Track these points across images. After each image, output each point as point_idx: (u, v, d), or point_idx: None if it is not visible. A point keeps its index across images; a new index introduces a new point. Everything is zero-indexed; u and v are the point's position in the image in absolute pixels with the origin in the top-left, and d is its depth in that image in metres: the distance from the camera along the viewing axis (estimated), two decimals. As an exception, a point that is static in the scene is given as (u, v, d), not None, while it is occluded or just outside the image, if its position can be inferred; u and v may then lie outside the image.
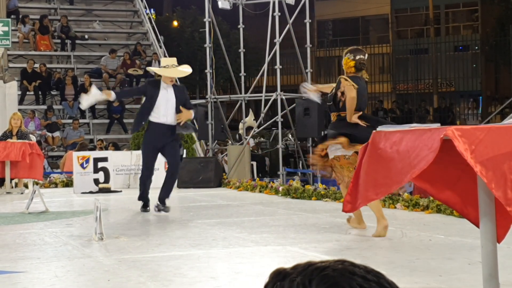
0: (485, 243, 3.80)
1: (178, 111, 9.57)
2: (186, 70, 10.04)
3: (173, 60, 9.94)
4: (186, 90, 10.30)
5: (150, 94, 9.64)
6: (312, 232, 7.36)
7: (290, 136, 21.27)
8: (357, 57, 7.55)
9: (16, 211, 10.08)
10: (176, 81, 10.06)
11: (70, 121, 21.60)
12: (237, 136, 19.92)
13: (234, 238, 6.94)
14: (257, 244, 6.60)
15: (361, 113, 7.31)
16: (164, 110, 9.55)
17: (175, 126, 9.63)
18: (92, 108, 22.33)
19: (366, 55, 7.68)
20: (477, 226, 4.07)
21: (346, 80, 7.39)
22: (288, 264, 5.11)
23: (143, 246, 6.53)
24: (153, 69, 11.76)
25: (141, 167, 10.34)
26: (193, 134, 17.00)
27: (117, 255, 6.05)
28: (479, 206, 3.72)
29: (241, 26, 18.20)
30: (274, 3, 16.64)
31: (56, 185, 15.35)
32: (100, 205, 6.82)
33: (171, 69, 9.70)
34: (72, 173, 14.73)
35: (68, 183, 15.11)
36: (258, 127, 17.83)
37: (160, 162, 14.49)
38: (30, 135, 14.68)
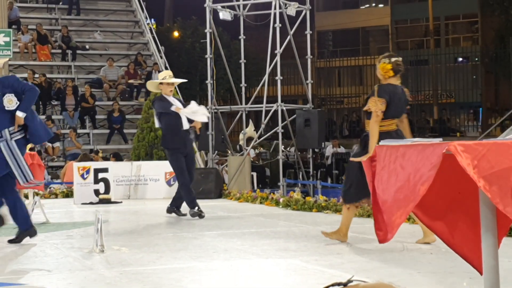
0: (487, 257, 3.80)
1: None
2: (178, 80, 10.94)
3: (169, 72, 10.72)
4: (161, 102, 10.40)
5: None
6: (313, 244, 7.36)
7: (287, 148, 21.28)
8: (393, 60, 7.13)
9: (16, 222, 10.06)
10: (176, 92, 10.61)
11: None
12: (237, 147, 19.92)
13: (235, 251, 6.94)
14: (258, 256, 6.60)
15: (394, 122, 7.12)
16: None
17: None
18: (92, 118, 22.36)
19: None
20: (463, 257, 4.08)
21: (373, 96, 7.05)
22: (289, 277, 5.08)
23: (144, 258, 6.53)
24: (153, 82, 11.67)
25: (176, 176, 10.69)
26: (193, 144, 17.01)
27: (118, 267, 6.05)
28: (480, 221, 3.73)
29: (242, 37, 18.24)
30: (275, 14, 16.68)
31: (56, 196, 15.34)
32: (101, 217, 6.82)
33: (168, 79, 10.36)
34: (72, 183, 14.77)
35: (68, 194, 15.11)
36: (259, 137, 17.84)
37: (160, 173, 14.52)
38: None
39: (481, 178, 3.40)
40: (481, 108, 40.08)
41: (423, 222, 4.20)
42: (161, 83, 10.33)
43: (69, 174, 16.63)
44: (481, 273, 4.11)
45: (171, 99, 10.26)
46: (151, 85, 10.95)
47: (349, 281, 1.79)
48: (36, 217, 9.77)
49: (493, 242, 3.80)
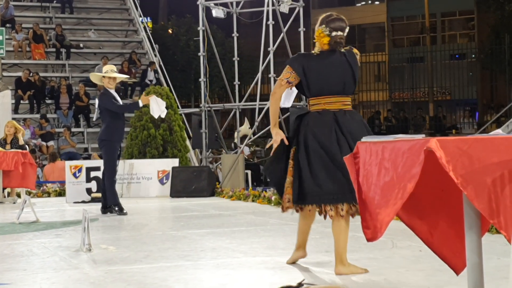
0: (470, 255, 3.77)
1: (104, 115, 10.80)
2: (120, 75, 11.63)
3: (112, 67, 11.14)
4: (105, 96, 10.84)
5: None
6: (302, 242, 7.29)
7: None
8: (333, 34, 5.68)
9: (6, 221, 10.04)
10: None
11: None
12: (232, 145, 19.88)
13: (223, 249, 6.89)
14: (245, 255, 6.55)
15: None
16: None
17: None
18: (86, 117, 22.31)
19: (347, 28, 5.75)
20: (440, 256, 4.05)
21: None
22: (275, 275, 5.01)
23: (131, 257, 6.48)
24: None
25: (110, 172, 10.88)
26: (187, 142, 16.96)
27: (104, 266, 5.99)
28: (464, 219, 3.68)
29: (235, 34, 18.19)
30: (268, 11, 16.62)
31: (48, 195, 15.30)
32: (88, 216, 6.77)
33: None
34: (52, 182, 15.03)
35: (61, 193, 15.06)
36: (253, 135, 17.78)
37: (153, 171, 14.48)
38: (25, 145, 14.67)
39: (460, 176, 3.35)
40: (477, 105, 40.06)
41: (402, 220, 4.15)
42: (103, 77, 10.83)
43: (47, 174, 16.81)
44: (457, 273, 4.08)
45: (114, 93, 10.80)
46: (94, 77, 11.45)
47: (300, 284, 1.75)
48: (26, 216, 9.73)
49: (476, 240, 3.76)
